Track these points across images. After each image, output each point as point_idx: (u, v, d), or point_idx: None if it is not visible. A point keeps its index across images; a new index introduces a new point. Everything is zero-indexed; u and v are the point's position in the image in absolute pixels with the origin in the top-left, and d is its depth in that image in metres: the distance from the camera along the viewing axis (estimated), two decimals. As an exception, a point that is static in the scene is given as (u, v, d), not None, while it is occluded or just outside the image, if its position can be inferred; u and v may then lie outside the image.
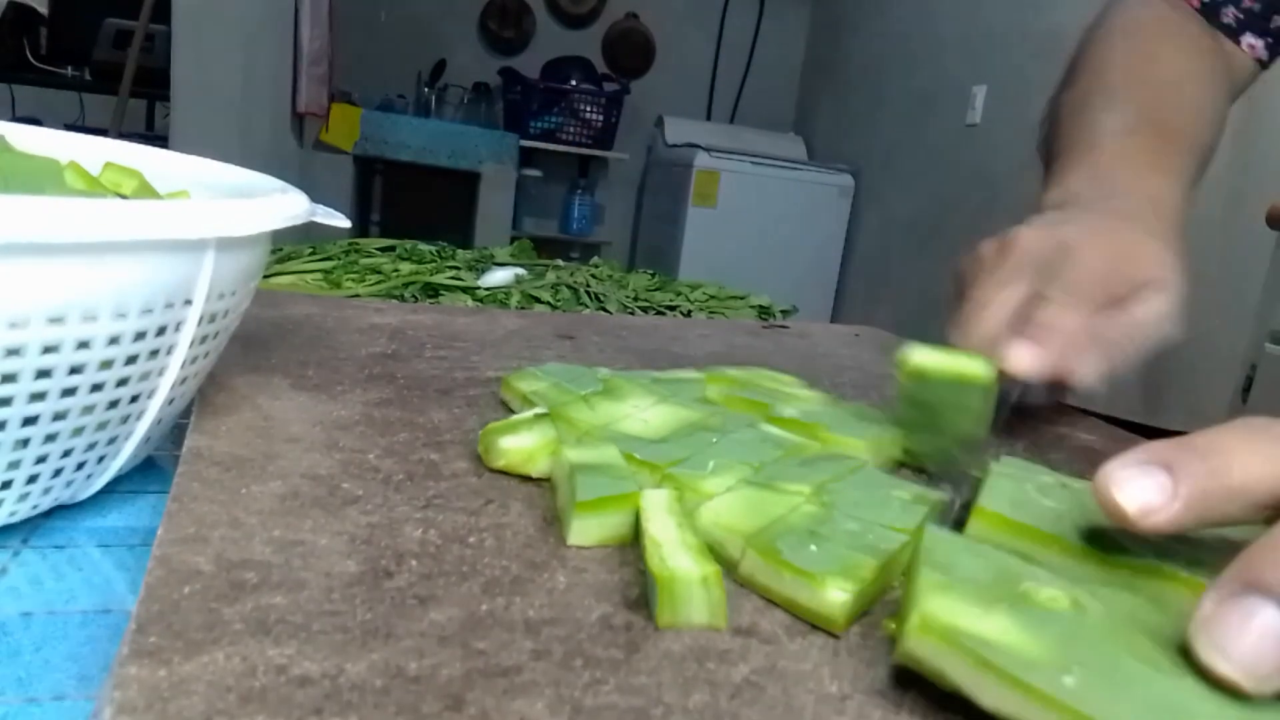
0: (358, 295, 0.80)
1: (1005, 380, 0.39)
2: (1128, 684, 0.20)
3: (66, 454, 0.28)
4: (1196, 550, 0.26)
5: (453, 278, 0.87)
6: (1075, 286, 0.41)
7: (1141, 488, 0.23)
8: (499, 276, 0.89)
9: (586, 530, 0.27)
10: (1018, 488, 0.31)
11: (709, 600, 0.23)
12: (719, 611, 0.23)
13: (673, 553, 0.24)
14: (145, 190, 0.37)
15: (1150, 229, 0.45)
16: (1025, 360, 0.39)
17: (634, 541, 0.27)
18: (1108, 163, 0.51)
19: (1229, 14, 0.62)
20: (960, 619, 0.21)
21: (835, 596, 0.24)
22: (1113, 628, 0.22)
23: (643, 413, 0.37)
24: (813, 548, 0.26)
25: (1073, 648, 0.20)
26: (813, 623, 0.24)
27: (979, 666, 0.20)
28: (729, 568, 0.26)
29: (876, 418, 0.40)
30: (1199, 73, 0.59)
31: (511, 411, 0.39)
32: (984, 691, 0.20)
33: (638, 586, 0.25)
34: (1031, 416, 0.47)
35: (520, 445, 0.32)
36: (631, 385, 0.40)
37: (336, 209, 0.37)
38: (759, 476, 0.31)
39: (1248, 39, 0.62)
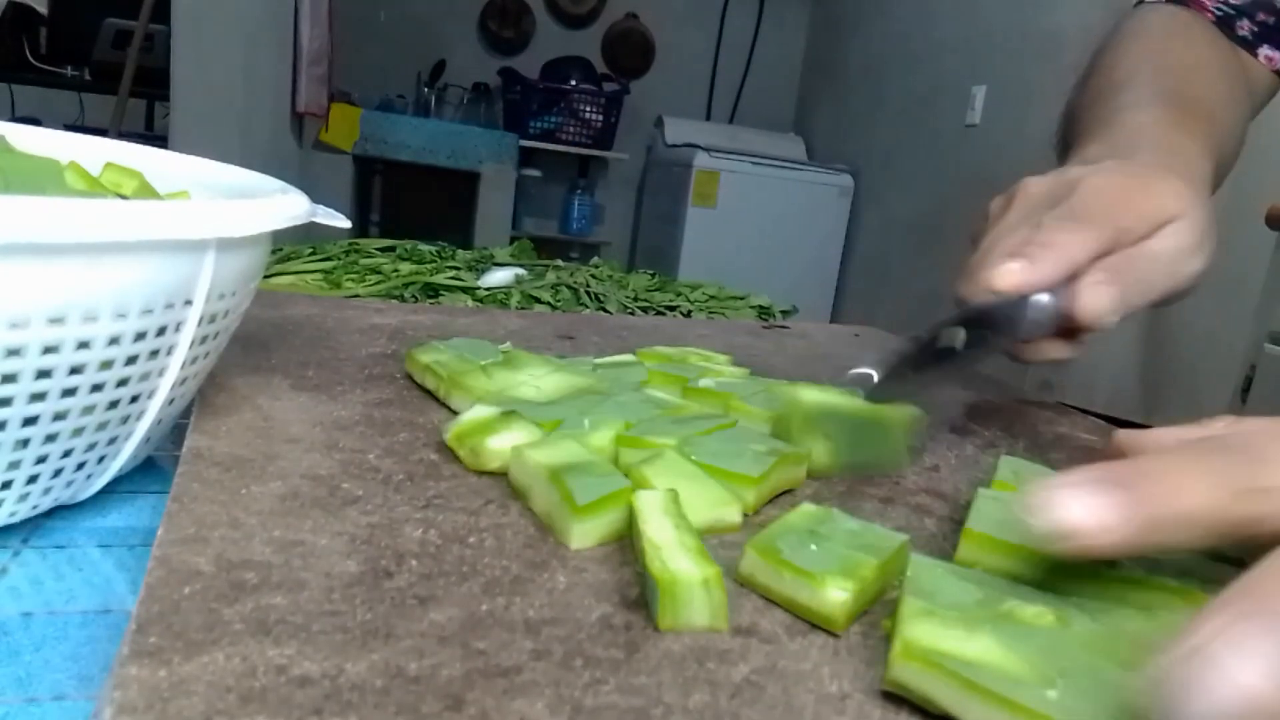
0: (358, 295, 0.80)
1: (1006, 306, 0.37)
2: (1111, 693, 0.19)
3: (66, 454, 0.28)
4: (1184, 561, 0.26)
5: (453, 278, 0.87)
6: (1077, 210, 0.38)
7: (1093, 506, 0.21)
8: (499, 277, 0.88)
9: (588, 533, 0.27)
10: (1003, 509, 0.30)
11: (710, 602, 0.23)
12: (720, 614, 0.23)
13: (673, 555, 0.24)
14: (145, 190, 0.37)
15: (1169, 167, 0.42)
16: (1013, 274, 0.36)
17: (630, 537, 0.27)
18: (1127, 132, 0.48)
19: (1244, 27, 0.60)
20: (943, 642, 0.21)
21: (835, 596, 0.24)
22: (1098, 639, 0.22)
23: (537, 380, 0.39)
24: (813, 547, 0.26)
25: (1056, 661, 0.21)
26: (813, 622, 0.24)
27: (964, 688, 0.20)
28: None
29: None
30: (1217, 62, 0.57)
31: (416, 384, 0.41)
32: (970, 712, 0.20)
33: (637, 586, 0.25)
34: (1031, 411, 0.46)
35: (509, 445, 0.32)
36: (530, 357, 0.42)
37: (336, 209, 0.37)
38: (631, 432, 0.33)
39: (1265, 51, 0.60)
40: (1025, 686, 0.20)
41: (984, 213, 0.45)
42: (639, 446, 0.32)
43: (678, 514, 0.27)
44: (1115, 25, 0.62)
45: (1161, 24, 0.60)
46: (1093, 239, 0.38)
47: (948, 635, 0.21)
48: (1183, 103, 0.49)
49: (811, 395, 0.36)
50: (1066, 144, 0.57)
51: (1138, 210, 0.39)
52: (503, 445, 0.32)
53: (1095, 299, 0.37)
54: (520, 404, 0.35)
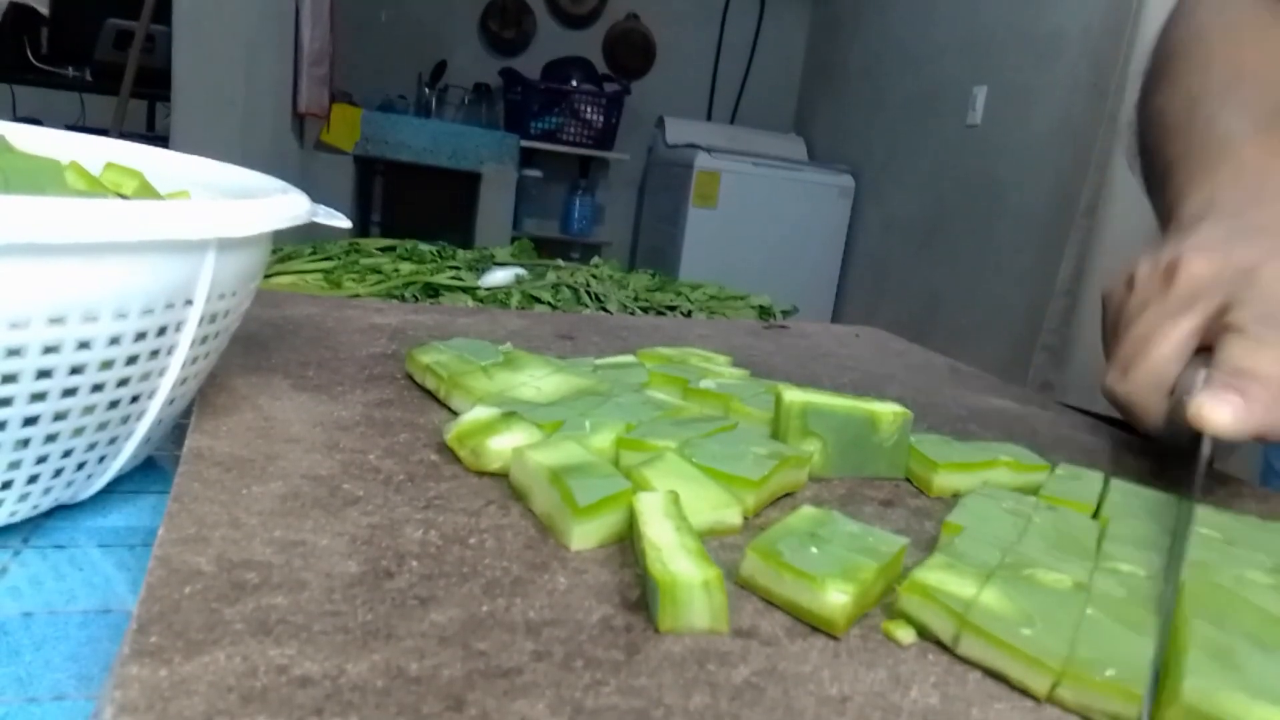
0: (358, 295, 0.80)
1: (1195, 435, 0.32)
2: (1092, 638, 0.22)
3: (67, 454, 0.28)
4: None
5: (453, 278, 0.87)
6: (1273, 317, 0.34)
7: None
8: (499, 277, 0.88)
9: (588, 534, 0.27)
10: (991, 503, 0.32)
11: (710, 605, 0.23)
12: (720, 616, 0.23)
13: (673, 556, 0.24)
14: (146, 190, 0.37)
15: None
16: (1226, 417, 0.32)
17: (630, 539, 0.27)
18: (1252, 163, 0.43)
19: None
20: (946, 585, 0.25)
21: (835, 598, 0.24)
22: (1114, 602, 0.24)
23: (537, 381, 0.39)
24: (813, 550, 0.26)
25: (1047, 610, 0.24)
26: (813, 625, 0.24)
27: (949, 616, 0.24)
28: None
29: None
30: None
31: (416, 385, 0.41)
32: (960, 642, 0.23)
33: (638, 588, 0.25)
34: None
35: (510, 446, 0.32)
36: (530, 358, 0.42)
37: (337, 209, 0.37)
38: (632, 434, 0.33)
39: None
40: (1002, 621, 0.23)
41: (1126, 275, 0.40)
42: (640, 449, 0.32)
43: (679, 516, 0.27)
44: (1180, 14, 0.56)
45: (1248, 22, 0.54)
46: None
47: (954, 581, 0.25)
48: None
49: (801, 396, 0.36)
50: (1157, 158, 0.52)
51: None
52: (504, 446, 0.32)
53: None
54: (521, 405, 0.35)
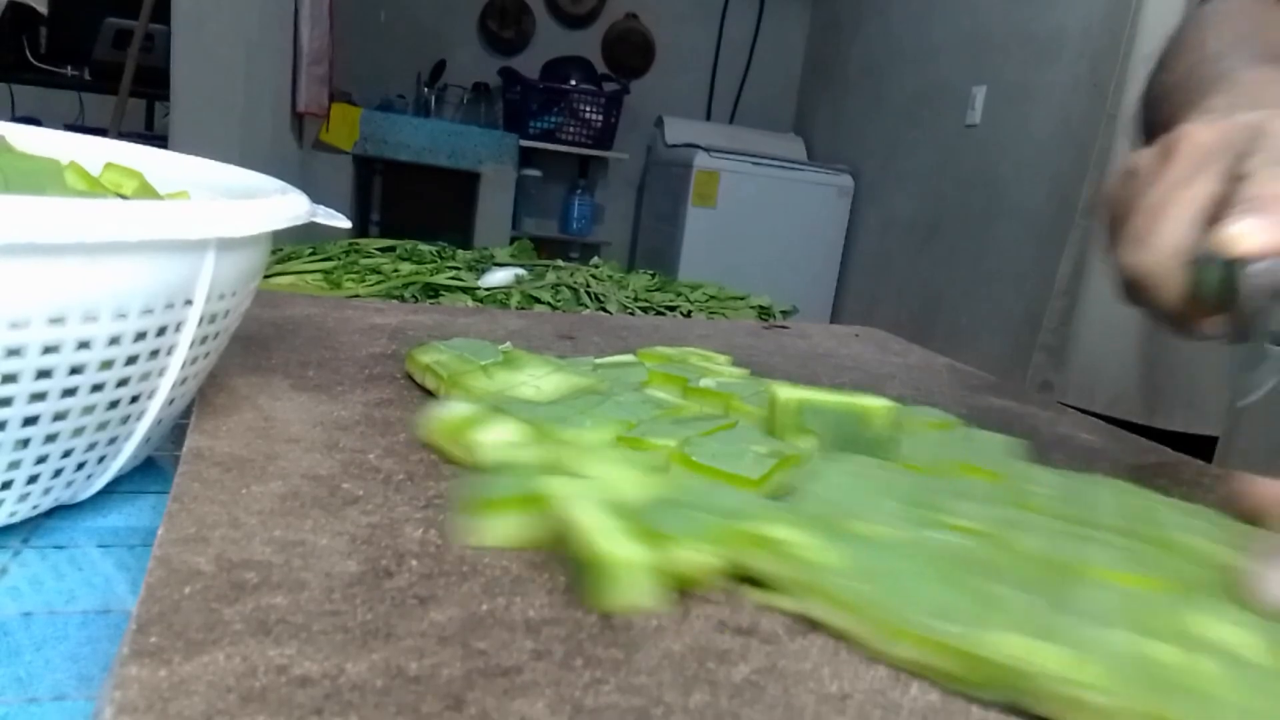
0: (358, 295, 0.80)
1: (1242, 278, 0.30)
2: (905, 590, 0.24)
3: (67, 454, 0.28)
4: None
5: (453, 278, 0.87)
6: None
7: None
8: (499, 277, 0.88)
9: (497, 530, 0.27)
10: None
11: (641, 582, 0.24)
12: (653, 590, 0.24)
13: (610, 538, 0.24)
14: (145, 190, 0.37)
15: None
16: (1255, 233, 0.29)
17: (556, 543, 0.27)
18: (1250, 83, 0.41)
19: None
20: (776, 534, 0.26)
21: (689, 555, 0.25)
22: (935, 557, 0.26)
23: (537, 380, 0.39)
24: (677, 514, 0.26)
25: (868, 561, 0.25)
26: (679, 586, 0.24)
27: (774, 557, 0.25)
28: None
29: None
30: None
31: (416, 385, 0.41)
32: (779, 580, 0.25)
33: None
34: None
35: (502, 439, 0.32)
36: (530, 357, 0.42)
37: (336, 209, 0.37)
38: (633, 432, 0.33)
39: None
40: (828, 570, 0.24)
41: (1129, 168, 0.37)
42: (641, 448, 0.32)
43: (601, 501, 0.27)
44: (1187, 16, 0.57)
45: (1243, 8, 0.54)
46: None
47: (793, 534, 0.26)
48: None
49: (794, 393, 0.37)
50: (1154, 126, 0.51)
51: None
52: (494, 439, 0.32)
53: None
54: (519, 404, 0.35)
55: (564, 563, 0.26)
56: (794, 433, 0.36)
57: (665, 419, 0.36)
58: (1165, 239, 0.32)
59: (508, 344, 0.45)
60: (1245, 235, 0.30)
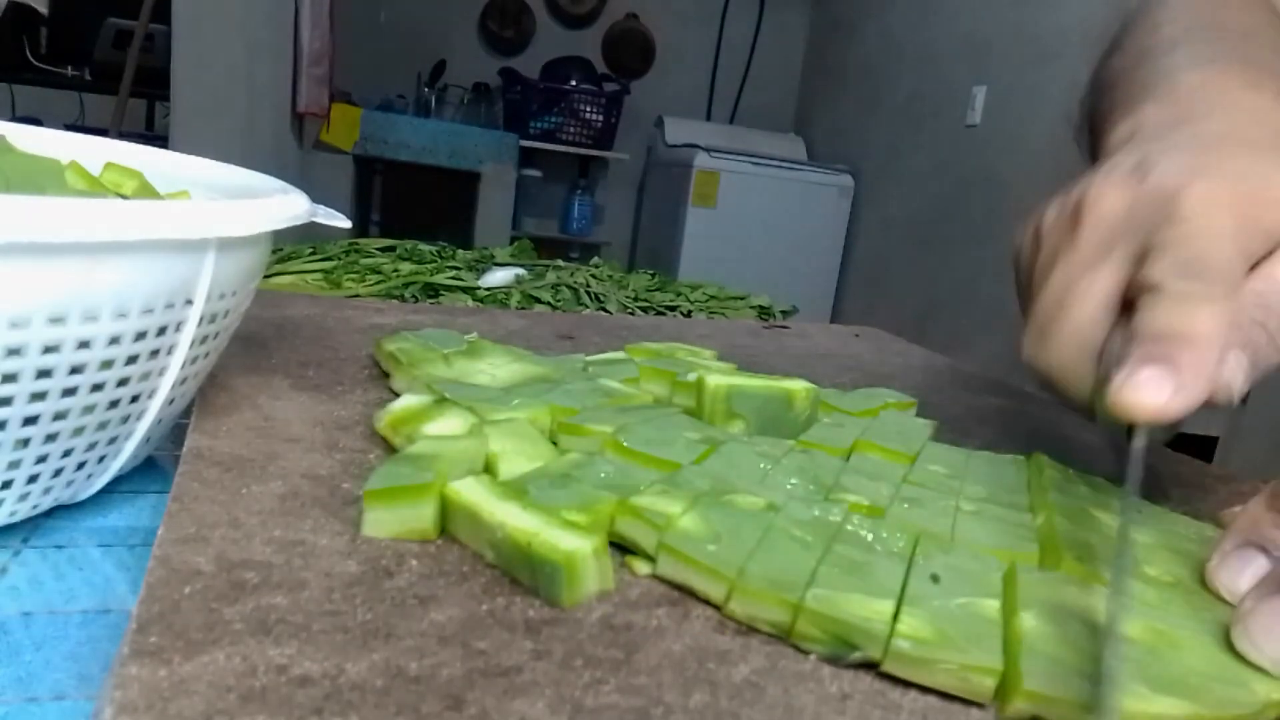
0: (358, 295, 0.80)
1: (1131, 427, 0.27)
2: (767, 555, 0.25)
3: (67, 454, 0.28)
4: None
5: (453, 278, 0.87)
6: (1198, 262, 0.28)
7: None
8: (499, 277, 0.89)
9: (381, 522, 0.26)
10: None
11: (601, 568, 0.24)
12: (608, 575, 0.24)
13: (550, 532, 0.24)
14: (145, 190, 0.37)
15: (1269, 144, 0.32)
16: (1153, 396, 0.26)
17: (442, 534, 0.27)
18: (1190, 91, 0.37)
19: None
20: (654, 505, 0.27)
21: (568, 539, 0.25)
22: (800, 524, 0.27)
23: (494, 369, 0.40)
24: (560, 488, 0.28)
25: (735, 530, 0.26)
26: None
27: (651, 528, 0.26)
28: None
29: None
30: (1278, 30, 0.45)
31: (385, 374, 0.42)
32: (649, 548, 0.26)
33: (637, 587, 0.25)
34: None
35: (445, 430, 0.32)
36: (494, 347, 0.44)
37: (336, 209, 0.37)
38: (574, 419, 0.34)
39: None
40: (692, 538, 0.25)
41: (1032, 227, 0.34)
42: (578, 434, 0.33)
43: (507, 489, 0.27)
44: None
45: None
46: (1228, 308, 0.27)
47: (663, 503, 0.27)
48: (1250, 64, 0.38)
49: (724, 380, 0.38)
50: (1098, 117, 0.46)
51: (1268, 231, 0.29)
52: (438, 431, 0.32)
53: (1235, 382, 0.28)
54: (468, 389, 0.36)
55: (468, 554, 0.26)
56: (724, 418, 0.37)
57: (609, 407, 0.37)
58: (1069, 335, 0.30)
59: (473, 334, 0.46)
60: (1141, 398, 0.26)
